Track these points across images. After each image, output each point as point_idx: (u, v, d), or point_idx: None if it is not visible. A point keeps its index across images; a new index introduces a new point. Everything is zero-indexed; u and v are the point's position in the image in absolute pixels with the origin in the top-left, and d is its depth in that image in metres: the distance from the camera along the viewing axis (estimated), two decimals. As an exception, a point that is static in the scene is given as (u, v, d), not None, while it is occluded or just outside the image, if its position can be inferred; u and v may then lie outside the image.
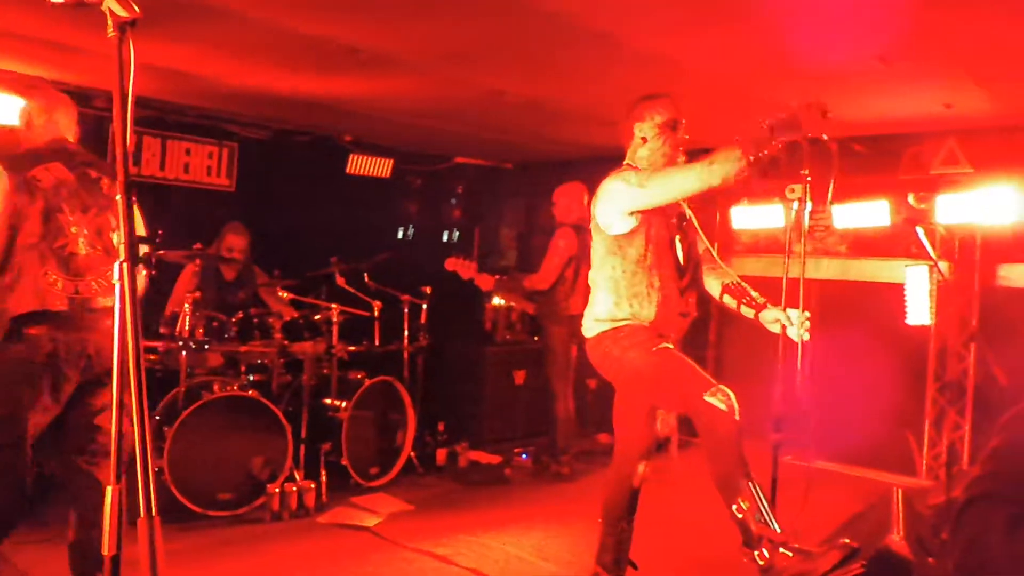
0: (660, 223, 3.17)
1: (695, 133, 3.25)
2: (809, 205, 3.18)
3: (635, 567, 3.39)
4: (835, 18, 3.19)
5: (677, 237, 3.27)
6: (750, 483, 2.97)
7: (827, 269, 6.05)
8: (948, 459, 5.45)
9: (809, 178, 3.13)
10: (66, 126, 3.06)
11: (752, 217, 6.16)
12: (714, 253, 3.47)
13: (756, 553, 2.90)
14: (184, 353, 4.40)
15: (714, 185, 2.89)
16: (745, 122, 5.47)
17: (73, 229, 2.82)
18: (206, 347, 4.55)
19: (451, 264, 5.27)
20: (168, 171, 5.71)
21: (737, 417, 2.93)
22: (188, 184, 5.81)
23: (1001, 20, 3.15)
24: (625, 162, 3.27)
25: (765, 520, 2.95)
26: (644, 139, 3.21)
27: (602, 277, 3.21)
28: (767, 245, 6.58)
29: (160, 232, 2.95)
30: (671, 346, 3.14)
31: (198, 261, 4.91)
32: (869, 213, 5.40)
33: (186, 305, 4.43)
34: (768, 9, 3.15)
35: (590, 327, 3.24)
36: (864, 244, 6.00)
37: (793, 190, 3.17)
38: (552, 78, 4.42)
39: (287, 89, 4.85)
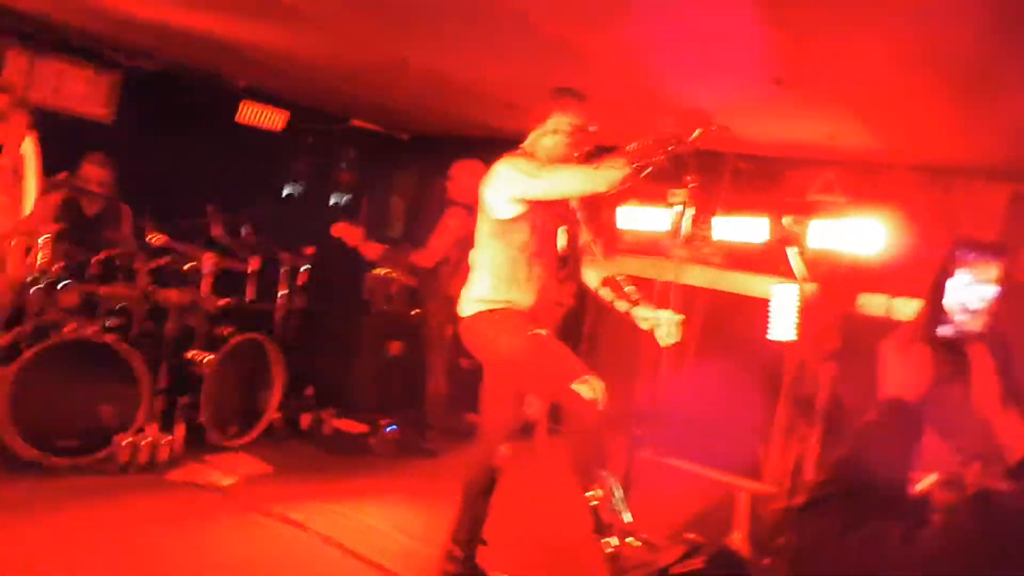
0: (545, 213, 3.20)
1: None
2: (692, 211, 3.28)
3: (484, 543, 3.45)
4: (737, 36, 3.31)
5: (561, 228, 3.32)
6: (605, 472, 3.08)
7: (700, 277, 6.29)
8: (793, 468, 5.80)
9: (692, 184, 3.23)
10: None
11: (637, 218, 6.33)
12: (595, 248, 3.53)
13: (605, 540, 3.01)
14: (34, 289, 4.09)
15: (599, 190, 2.99)
16: (643, 123, 5.62)
17: None
18: (62, 284, 4.25)
19: (338, 229, 5.15)
20: (35, 92, 5.27)
21: (601, 408, 2.99)
22: (57, 109, 5.40)
23: (881, 60, 3.35)
24: (522, 145, 3.28)
25: (617, 509, 3.06)
26: (556, 131, 3.21)
27: (483, 259, 3.24)
28: (648, 247, 6.78)
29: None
30: (545, 333, 3.19)
31: (64, 191, 4.58)
32: (748, 228, 5.65)
33: (41, 238, 4.12)
34: (677, 17, 3.22)
35: (467, 307, 3.26)
36: (738, 258, 6.28)
37: (675, 195, 3.27)
38: (459, 53, 4.37)
39: (184, 23, 4.58)
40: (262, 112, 6.26)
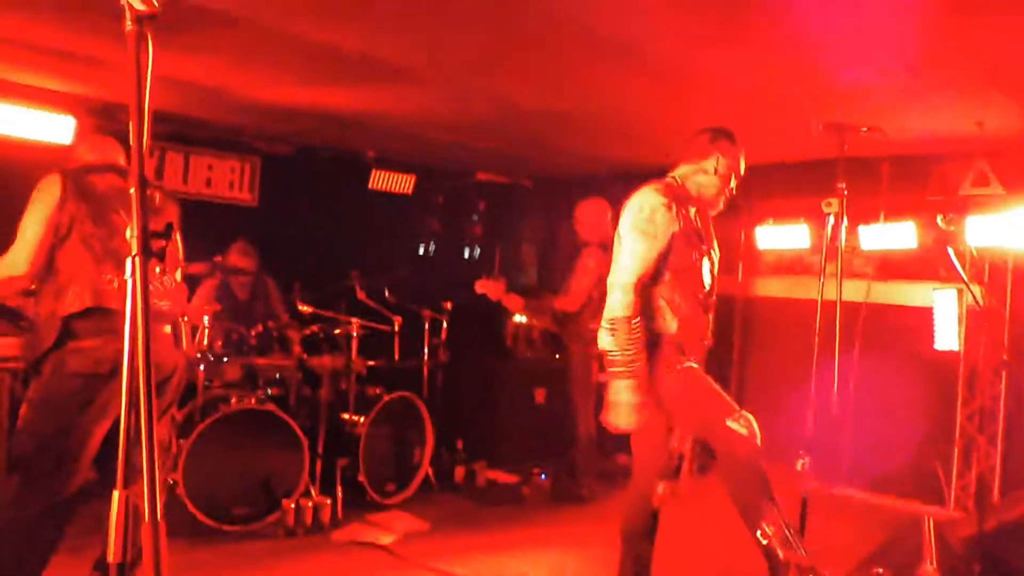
0: (683, 243, 3.10)
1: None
2: (844, 221, 3.10)
3: None
4: (862, 26, 3.13)
5: (704, 259, 3.21)
6: (774, 507, 2.89)
7: (853, 292, 5.93)
8: (977, 489, 5.30)
9: (846, 192, 3.06)
10: (114, 153, 3.10)
11: (778, 237, 6.08)
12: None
13: None
14: (203, 366, 4.38)
15: (607, 347, 2.96)
16: (769, 134, 5.41)
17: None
18: (224, 360, 4.53)
19: (481, 286, 5.22)
20: (191, 185, 5.74)
21: (758, 442, 2.88)
22: (210, 199, 5.83)
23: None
24: (673, 175, 3.25)
25: (792, 545, 2.86)
26: (714, 171, 3.19)
27: None
28: (790, 266, 6.49)
29: (173, 226, 2.96)
30: (695, 366, 3.06)
31: (218, 275, 4.91)
32: (896, 234, 5.30)
33: (205, 318, 4.41)
34: (793, 23, 3.10)
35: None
36: (891, 266, 5.89)
37: (830, 204, 3.10)
38: (571, 89, 4.38)
39: (306, 102, 4.86)
40: (392, 178, 6.52)
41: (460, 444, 5.69)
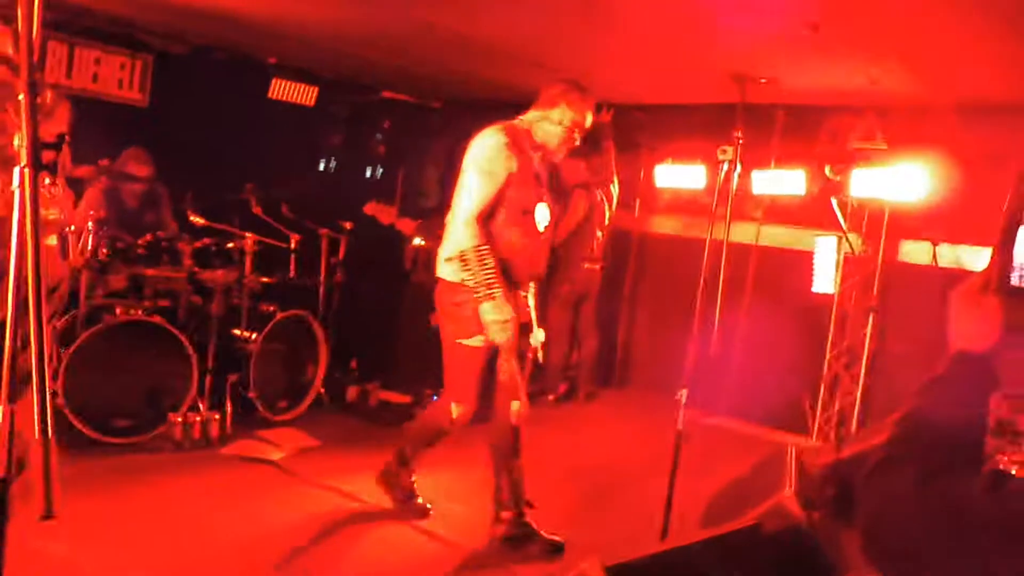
0: (520, 183, 3.34)
1: (622, 85, 3.25)
2: (739, 168, 3.24)
3: (531, 506, 3.53)
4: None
5: (540, 202, 3.45)
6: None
7: (743, 234, 6.20)
8: (838, 421, 5.74)
9: (741, 140, 3.18)
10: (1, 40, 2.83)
11: (675, 176, 6.25)
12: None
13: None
14: (85, 273, 4.19)
15: (465, 264, 3.23)
16: (674, 75, 5.51)
17: (16, 142, 2.64)
18: (110, 269, 4.34)
19: (370, 209, 5.17)
20: (75, 80, 5.37)
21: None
22: (96, 95, 5.47)
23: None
24: (521, 118, 3.45)
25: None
26: (559, 122, 3.38)
27: None
28: (686, 206, 6.70)
29: (67, 137, 2.80)
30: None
31: (104, 179, 4.66)
32: (786, 181, 5.55)
33: (89, 224, 4.20)
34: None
35: None
36: (779, 211, 6.17)
37: (724, 151, 3.22)
38: (489, 17, 4.32)
39: (212, 3, 4.59)
40: (293, 88, 6.27)
41: (354, 364, 5.70)
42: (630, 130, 6.60)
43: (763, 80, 3.12)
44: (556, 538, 3.49)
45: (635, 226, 7.01)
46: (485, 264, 3.18)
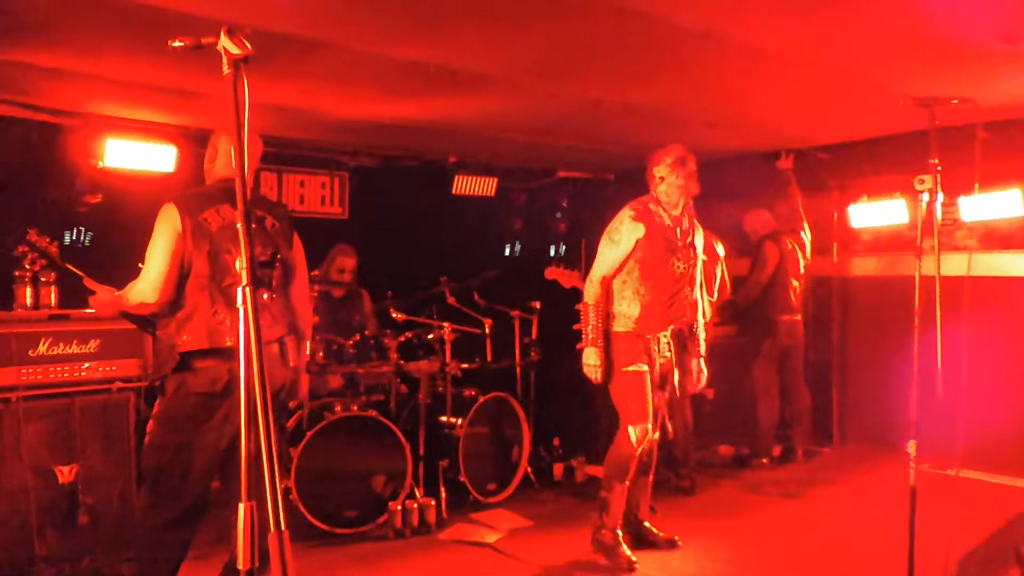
0: (650, 245, 3.94)
1: (796, 128, 3.14)
2: (940, 197, 3.00)
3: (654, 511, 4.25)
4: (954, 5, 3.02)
5: (674, 257, 3.99)
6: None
7: (955, 266, 5.69)
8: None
9: (940, 168, 2.96)
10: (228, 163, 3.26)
11: (873, 214, 5.89)
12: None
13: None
14: (305, 375, 4.56)
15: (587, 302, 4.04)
16: (857, 112, 5.25)
17: (237, 266, 3.01)
18: (327, 370, 4.72)
19: (551, 273, 5.24)
20: (285, 203, 5.97)
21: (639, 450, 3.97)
22: (303, 214, 6.05)
23: None
24: (652, 194, 4.07)
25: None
26: (662, 178, 4.01)
27: None
28: (888, 243, 6.28)
29: (277, 254, 3.13)
30: (644, 368, 3.92)
31: (316, 288, 5.11)
32: (999, 203, 5.06)
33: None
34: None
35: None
36: (996, 237, 5.62)
37: (923, 180, 3.00)
38: (648, 82, 4.36)
39: (390, 116, 4.99)
40: (474, 181, 6.61)
41: (557, 441, 5.73)
42: (816, 172, 6.34)
43: (955, 101, 2.89)
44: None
45: (835, 271, 6.64)
46: (592, 319, 3.93)
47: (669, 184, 4.00)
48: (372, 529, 4.44)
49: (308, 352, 4.54)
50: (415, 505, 4.50)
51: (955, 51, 3.67)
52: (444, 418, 5.07)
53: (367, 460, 4.53)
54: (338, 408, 4.56)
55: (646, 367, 3.90)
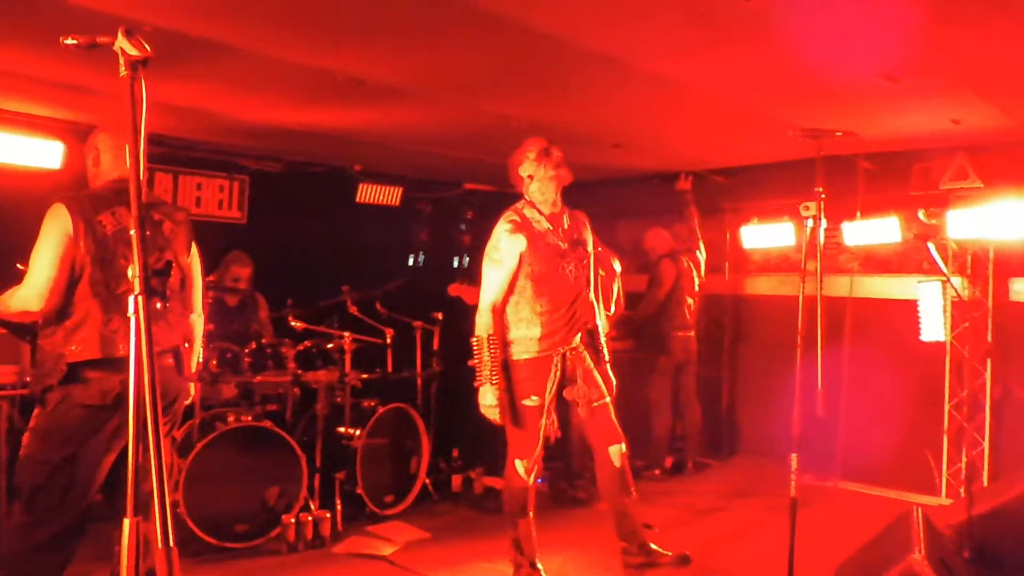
0: (536, 255, 3.66)
1: (697, 152, 3.28)
2: (824, 223, 3.19)
3: (649, 527, 3.95)
4: (840, 37, 3.21)
5: (564, 262, 3.71)
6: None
7: (839, 287, 6.03)
8: (968, 476, 5.38)
9: (823, 195, 3.15)
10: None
11: (762, 236, 6.17)
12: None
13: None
14: (198, 385, 4.41)
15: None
16: (751, 139, 5.51)
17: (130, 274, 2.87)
18: (221, 379, 4.57)
19: (455, 290, 5.27)
20: (185, 206, 5.76)
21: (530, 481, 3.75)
22: (200, 217, 5.86)
23: (1007, 36, 3.16)
24: (524, 199, 3.79)
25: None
26: (530, 176, 3.71)
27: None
28: (777, 264, 6.59)
29: (172, 263, 3.02)
30: (535, 402, 3.66)
31: (211, 294, 4.95)
32: (880, 230, 5.39)
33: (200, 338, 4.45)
34: (774, 30, 3.16)
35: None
36: (876, 261, 5.99)
37: (807, 207, 3.18)
38: (557, 102, 4.45)
39: (296, 122, 4.91)
40: (379, 190, 6.56)
41: (456, 453, 5.74)
42: (712, 195, 6.59)
43: (839, 134, 3.09)
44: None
45: (727, 289, 6.91)
46: (487, 354, 3.57)
47: (540, 179, 3.70)
48: (264, 543, 4.32)
49: (202, 360, 4.41)
50: (310, 518, 4.40)
51: (841, 88, 3.91)
52: (342, 429, 4.99)
53: (261, 472, 4.41)
54: (231, 418, 4.43)
55: (538, 399, 3.63)
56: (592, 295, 3.82)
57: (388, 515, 4.93)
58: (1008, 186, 4.79)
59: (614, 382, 3.92)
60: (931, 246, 5.41)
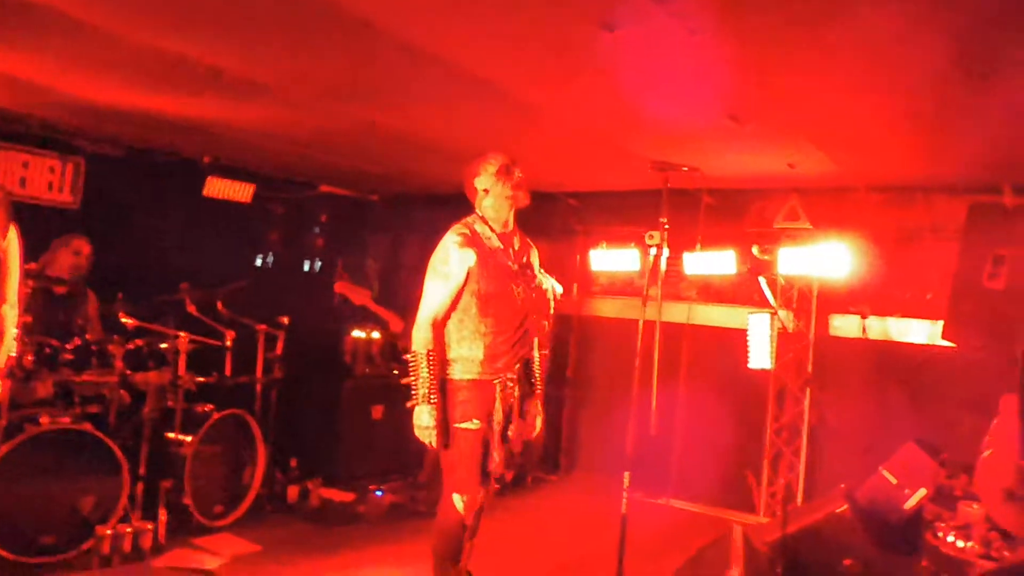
0: (485, 272, 3.35)
1: (554, 175, 3.37)
2: (666, 252, 3.34)
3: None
4: (686, 80, 3.40)
5: (512, 281, 3.43)
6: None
7: (678, 313, 6.34)
8: (784, 496, 5.77)
9: (667, 226, 3.30)
10: None
11: (609, 260, 6.39)
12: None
13: None
14: (8, 382, 4.02)
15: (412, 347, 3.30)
16: (604, 167, 5.71)
17: None
18: (35, 376, 4.19)
19: (341, 287, 5.07)
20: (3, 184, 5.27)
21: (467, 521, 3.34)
22: (24, 199, 5.38)
23: (835, 90, 3.45)
24: (476, 213, 3.48)
25: None
26: (486, 190, 3.42)
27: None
28: (622, 288, 6.84)
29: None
30: (476, 426, 3.30)
31: (30, 282, 4.54)
32: (717, 261, 5.72)
33: (14, 329, 4.06)
34: (621, 67, 3.31)
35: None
36: (713, 291, 6.35)
37: (652, 236, 3.33)
38: (426, 117, 4.45)
39: (143, 106, 4.62)
40: (229, 186, 6.27)
41: (294, 463, 5.55)
42: (565, 216, 6.77)
43: (685, 168, 3.27)
44: None
45: (574, 310, 7.10)
46: (425, 371, 3.24)
47: (496, 196, 3.41)
48: (75, 557, 3.99)
49: (14, 355, 4.03)
50: (128, 529, 4.11)
51: (688, 125, 4.15)
52: (172, 435, 4.70)
53: (76, 479, 4.08)
54: (45, 419, 4.07)
55: (479, 423, 3.29)
56: (534, 324, 3.56)
57: (217, 527, 4.69)
58: (833, 228, 5.22)
59: (541, 418, 3.72)
60: (762, 280, 5.80)
